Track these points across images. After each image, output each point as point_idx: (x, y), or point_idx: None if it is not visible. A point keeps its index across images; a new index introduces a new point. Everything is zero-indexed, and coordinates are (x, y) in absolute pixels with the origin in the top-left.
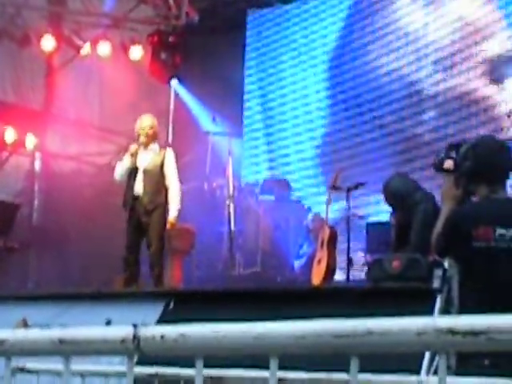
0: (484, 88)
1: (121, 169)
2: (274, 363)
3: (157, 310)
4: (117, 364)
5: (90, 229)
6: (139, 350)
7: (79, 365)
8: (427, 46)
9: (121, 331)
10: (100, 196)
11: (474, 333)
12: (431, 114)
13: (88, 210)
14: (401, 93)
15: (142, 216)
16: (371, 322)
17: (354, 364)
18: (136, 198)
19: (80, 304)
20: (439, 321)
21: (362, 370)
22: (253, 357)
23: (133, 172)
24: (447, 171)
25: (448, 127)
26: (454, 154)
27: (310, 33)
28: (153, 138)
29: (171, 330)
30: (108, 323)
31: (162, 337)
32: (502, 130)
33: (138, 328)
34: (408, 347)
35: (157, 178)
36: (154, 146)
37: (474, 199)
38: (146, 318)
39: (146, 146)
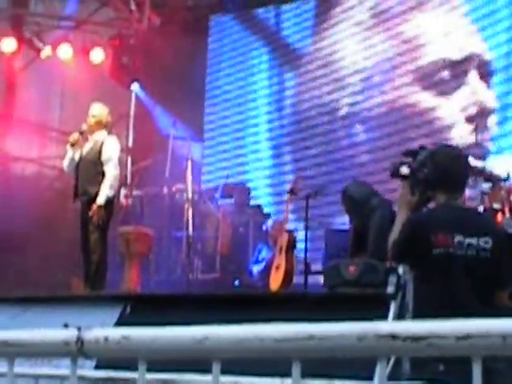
0: (422, 102)
1: (66, 159)
2: (216, 367)
3: (115, 313)
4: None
5: (50, 232)
6: (82, 353)
7: (38, 368)
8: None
9: (65, 334)
10: (60, 199)
11: (414, 338)
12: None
13: (48, 212)
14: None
15: (84, 209)
16: (312, 327)
17: (296, 368)
18: (77, 190)
19: (36, 307)
20: (380, 326)
21: (316, 374)
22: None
23: (78, 163)
24: (403, 177)
25: None
26: (410, 161)
27: (271, 40)
28: (96, 127)
29: (115, 333)
30: (65, 327)
31: (106, 339)
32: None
33: (81, 331)
34: (349, 352)
35: (91, 167)
36: (98, 136)
37: (431, 206)
38: (103, 322)
39: (89, 134)
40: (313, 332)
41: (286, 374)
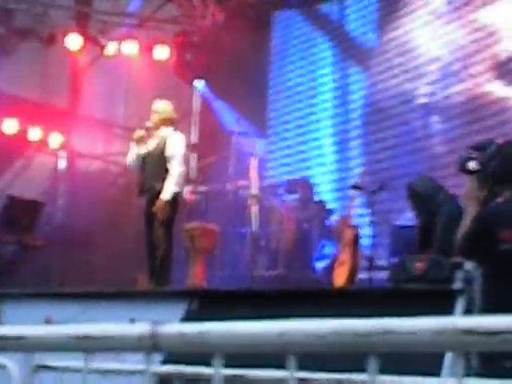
0: (497, 92)
1: (130, 155)
2: (292, 362)
3: (180, 309)
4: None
5: (115, 228)
6: (158, 347)
7: (107, 363)
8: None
9: (140, 328)
10: (124, 195)
11: (491, 333)
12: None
13: (112, 208)
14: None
15: (148, 205)
16: (390, 322)
17: (373, 364)
18: (142, 186)
19: (103, 303)
20: (458, 321)
21: (383, 371)
22: (278, 357)
23: (143, 159)
24: (471, 172)
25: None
26: (477, 155)
27: (335, 35)
28: (160, 123)
29: (190, 328)
30: (132, 322)
31: (181, 334)
32: None
33: (156, 325)
34: (426, 347)
35: (157, 163)
36: (164, 132)
37: (498, 201)
38: (169, 317)
39: (153, 131)
40: (390, 327)
41: (363, 369)
